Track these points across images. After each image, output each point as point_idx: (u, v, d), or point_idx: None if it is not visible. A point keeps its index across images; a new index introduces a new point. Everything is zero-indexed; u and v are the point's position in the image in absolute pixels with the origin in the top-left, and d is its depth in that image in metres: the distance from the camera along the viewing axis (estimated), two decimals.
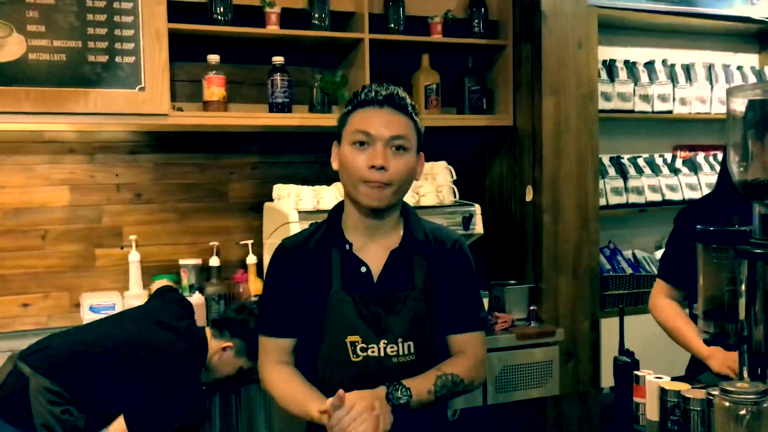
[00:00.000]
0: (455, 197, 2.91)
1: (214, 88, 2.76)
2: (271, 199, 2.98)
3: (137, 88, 2.56)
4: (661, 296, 2.24)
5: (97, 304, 2.71)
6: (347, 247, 1.63)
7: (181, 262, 2.97)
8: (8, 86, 2.40)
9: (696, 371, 2.08)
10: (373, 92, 1.60)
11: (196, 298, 2.85)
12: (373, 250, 1.65)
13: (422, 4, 3.10)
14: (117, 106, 2.54)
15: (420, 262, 1.66)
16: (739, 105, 1.21)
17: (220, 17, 2.74)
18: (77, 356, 2.12)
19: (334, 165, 1.66)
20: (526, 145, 3.11)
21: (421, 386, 1.58)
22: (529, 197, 3.07)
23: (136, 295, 2.83)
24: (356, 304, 1.61)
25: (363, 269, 1.63)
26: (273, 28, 2.80)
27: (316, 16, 2.87)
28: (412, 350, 1.62)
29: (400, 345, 1.61)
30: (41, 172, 2.86)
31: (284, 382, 1.65)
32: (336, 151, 1.65)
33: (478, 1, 3.16)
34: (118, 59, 2.53)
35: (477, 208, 2.85)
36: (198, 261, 2.99)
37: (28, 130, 2.78)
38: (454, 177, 2.92)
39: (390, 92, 1.60)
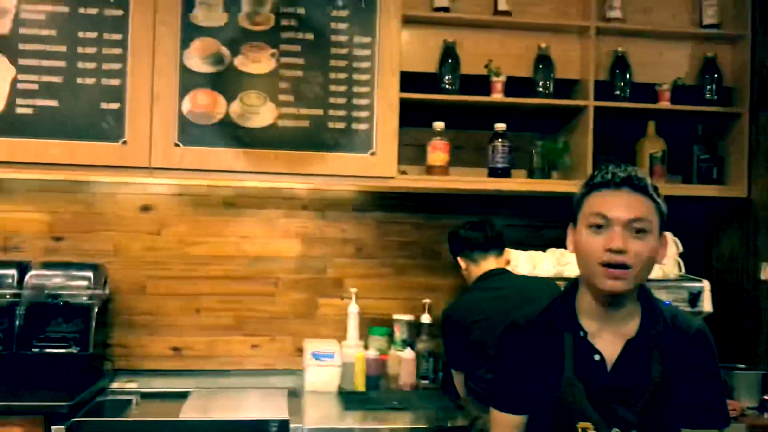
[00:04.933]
0: (681, 271, 2.76)
1: (439, 153, 2.88)
2: None
3: (369, 152, 2.75)
4: None
5: (319, 351, 2.89)
6: (581, 334, 1.59)
7: (395, 316, 3.09)
8: (260, 149, 2.69)
9: None
10: (610, 174, 1.54)
11: (407, 354, 2.95)
12: (608, 338, 1.59)
13: (650, 71, 3.03)
14: (351, 169, 2.74)
15: (656, 356, 1.57)
16: None
17: (447, 86, 2.88)
18: None
19: (569, 248, 1.62)
20: (761, 220, 2.88)
21: None
22: (765, 276, 2.83)
23: (353, 345, 2.98)
24: (589, 392, 1.56)
25: (596, 357, 1.58)
26: (498, 96, 2.89)
27: (541, 83, 2.92)
28: None
29: None
30: (279, 225, 3.14)
31: None
32: (571, 234, 1.62)
33: (711, 67, 3.02)
34: (354, 126, 2.74)
35: (706, 284, 2.68)
36: (411, 317, 3.08)
37: (271, 187, 3.08)
38: (680, 249, 2.78)
39: (628, 173, 1.53)
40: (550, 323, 1.63)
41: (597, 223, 1.52)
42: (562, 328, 1.61)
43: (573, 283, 1.67)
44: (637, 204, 1.52)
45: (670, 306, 1.66)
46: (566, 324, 1.61)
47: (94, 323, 2.67)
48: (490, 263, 2.59)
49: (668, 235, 2.80)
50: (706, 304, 2.67)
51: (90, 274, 2.74)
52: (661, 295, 2.62)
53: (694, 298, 2.63)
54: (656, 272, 2.71)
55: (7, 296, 2.65)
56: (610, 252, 1.49)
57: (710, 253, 3.20)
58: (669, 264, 2.74)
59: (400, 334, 3.05)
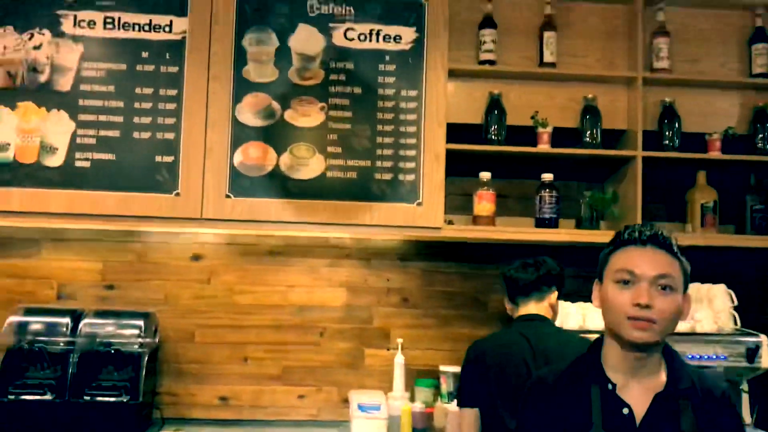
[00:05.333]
0: (736, 325, 2.68)
1: (485, 203, 2.89)
2: None
3: (415, 203, 2.77)
4: None
5: (365, 403, 2.86)
6: (610, 386, 1.59)
7: (441, 368, 3.05)
8: (309, 200, 2.73)
9: None
10: (637, 232, 1.59)
11: (454, 407, 2.89)
12: (636, 391, 1.59)
13: (699, 120, 3.01)
14: (397, 219, 2.76)
15: (686, 409, 1.56)
16: None
17: (493, 137, 2.89)
18: None
19: (595, 303, 1.66)
20: None
21: None
22: None
23: (399, 397, 2.95)
24: None
25: (625, 411, 1.56)
26: (544, 147, 2.89)
27: (588, 134, 2.92)
28: None
29: None
30: (324, 274, 3.15)
31: None
32: (597, 290, 1.65)
33: (763, 116, 2.98)
34: (400, 177, 2.77)
35: (764, 339, 2.60)
36: (457, 369, 3.03)
37: (318, 237, 3.10)
38: (735, 302, 2.71)
39: (654, 232, 1.59)
40: (578, 377, 1.64)
41: (624, 278, 1.56)
42: (589, 382, 1.61)
43: (598, 339, 1.68)
44: (663, 261, 1.56)
45: (693, 365, 1.66)
46: (594, 377, 1.61)
47: (144, 372, 2.70)
48: (529, 308, 2.51)
49: (722, 287, 2.76)
50: (765, 360, 2.58)
51: (141, 322, 2.78)
52: (717, 350, 2.56)
53: (752, 353, 2.55)
54: (710, 326, 2.65)
55: (62, 344, 2.71)
56: (638, 307, 1.52)
57: (767, 307, 3.11)
58: (723, 317, 2.67)
59: (446, 386, 3.01)
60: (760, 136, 2.98)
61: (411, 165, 2.78)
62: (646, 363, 1.58)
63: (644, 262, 1.55)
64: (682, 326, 2.61)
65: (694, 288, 2.87)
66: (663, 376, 1.60)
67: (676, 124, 2.95)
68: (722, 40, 3.07)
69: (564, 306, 2.75)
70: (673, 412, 1.56)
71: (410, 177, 2.78)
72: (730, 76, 3.05)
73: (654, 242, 1.57)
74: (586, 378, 1.62)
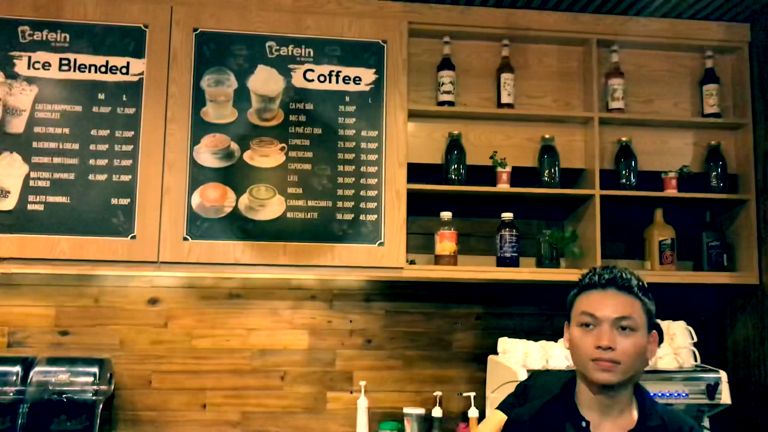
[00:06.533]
0: (696, 361, 2.70)
1: (446, 242, 2.88)
2: (494, 351, 2.97)
3: (377, 243, 2.75)
4: None
5: None
6: (584, 424, 1.61)
7: (405, 410, 3.01)
8: (269, 241, 2.70)
9: None
10: (597, 275, 1.65)
11: None
12: (608, 429, 1.62)
13: (655, 159, 3.07)
14: (359, 260, 2.74)
15: None
16: None
17: (454, 177, 2.91)
18: None
19: (565, 345, 1.70)
20: None
21: None
22: None
23: None
24: None
25: None
26: (503, 186, 2.91)
27: (546, 173, 2.95)
28: None
29: None
30: (286, 317, 3.11)
31: None
32: (566, 332, 1.70)
33: (716, 154, 3.05)
34: (362, 217, 2.76)
35: (723, 376, 2.62)
36: (421, 411, 3.01)
37: (278, 278, 3.06)
38: (695, 339, 2.73)
39: (614, 275, 1.63)
40: (552, 417, 1.67)
41: (587, 321, 1.62)
42: (564, 420, 1.64)
43: (572, 378, 1.72)
44: (623, 303, 1.61)
45: (662, 404, 1.70)
46: (568, 416, 1.64)
47: (98, 421, 2.61)
48: None
49: (681, 324, 2.78)
50: (725, 396, 2.59)
51: (95, 369, 2.69)
52: (678, 387, 2.57)
53: (712, 389, 2.56)
54: (671, 363, 2.66)
55: (11, 394, 2.60)
56: (600, 349, 1.57)
57: (725, 341, 3.14)
58: (683, 354, 2.69)
59: (411, 428, 2.97)
60: (714, 174, 3.04)
61: (372, 205, 2.78)
62: (616, 402, 1.62)
63: (605, 305, 1.60)
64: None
65: None
66: (634, 415, 1.63)
67: (633, 163, 3.00)
68: (675, 81, 3.15)
69: (526, 345, 2.74)
70: None
71: (372, 217, 2.77)
72: (683, 116, 3.12)
73: (614, 285, 1.62)
74: (560, 416, 1.65)
